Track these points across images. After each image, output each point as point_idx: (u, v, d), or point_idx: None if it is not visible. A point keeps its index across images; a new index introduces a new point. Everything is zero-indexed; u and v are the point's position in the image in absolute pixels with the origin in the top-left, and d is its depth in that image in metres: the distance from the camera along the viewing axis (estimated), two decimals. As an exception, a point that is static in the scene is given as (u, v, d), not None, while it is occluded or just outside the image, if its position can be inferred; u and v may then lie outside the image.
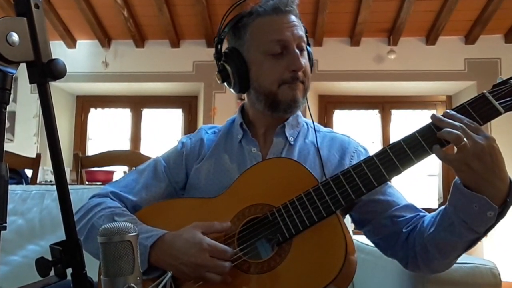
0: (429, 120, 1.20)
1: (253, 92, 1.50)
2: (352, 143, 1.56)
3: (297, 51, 1.43)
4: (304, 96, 1.47)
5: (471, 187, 1.13)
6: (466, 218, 1.15)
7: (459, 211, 1.16)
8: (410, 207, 1.43)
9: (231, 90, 1.52)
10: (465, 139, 1.09)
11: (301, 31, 1.45)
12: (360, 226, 1.50)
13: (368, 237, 1.50)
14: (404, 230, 1.37)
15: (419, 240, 1.31)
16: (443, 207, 1.27)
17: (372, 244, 1.50)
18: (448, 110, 1.19)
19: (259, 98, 1.48)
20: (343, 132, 1.62)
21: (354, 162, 1.46)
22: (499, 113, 1.17)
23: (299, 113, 1.57)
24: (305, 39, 1.47)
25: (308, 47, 1.52)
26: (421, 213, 1.42)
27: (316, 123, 1.57)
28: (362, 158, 1.48)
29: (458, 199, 1.17)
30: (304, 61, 1.45)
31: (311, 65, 1.52)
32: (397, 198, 1.44)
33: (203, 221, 1.29)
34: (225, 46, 1.53)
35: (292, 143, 1.51)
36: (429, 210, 1.40)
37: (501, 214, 1.14)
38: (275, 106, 1.46)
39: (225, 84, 1.52)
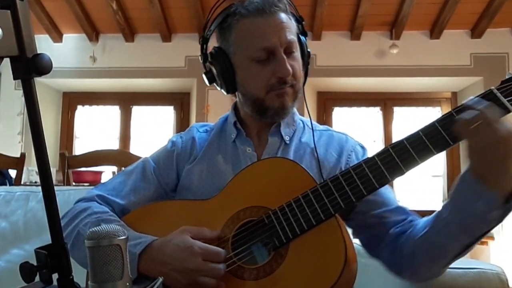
0: (434, 118, 1.20)
1: (241, 95, 1.52)
2: (350, 141, 1.56)
3: (284, 57, 1.40)
4: (294, 100, 1.47)
5: (481, 176, 1.13)
6: (466, 218, 1.16)
7: (460, 210, 1.17)
8: (401, 210, 1.44)
9: (220, 90, 1.54)
10: (479, 122, 1.09)
11: (289, 33, 1.42)
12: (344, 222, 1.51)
13: (353, 234, 1.51)
14: (391, 232, 1.39)
15: (407, 244, 1.32)
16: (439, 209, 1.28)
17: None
18: (465, 102, 1.17)
19: (247, 102, 1.50)
20: (342, 130, 1.62)
21: (351, 160, 1.48)
22: (508, 111, 1.16)
23: (295, 111, 1.57)
24: (295, 41, 1.44)
25: (303, 38, 1.51)
26: (412, 216, 1.43)
27: (312, 121, 1.57)
28: (359, 156, 1.49)
29: (463, 195, 1.17)
30: (293, 63, 1.43)
31: (307, 58, 1.52)
32: (387, 199, 1.44)
33: (192, 226, 1.29)
34: (214, 41, 1.54)
35: (287, 142, 1.51)
36: (433, 212, 1.41)
37: (503, 216, 1.15)
38: (262, 112, 1.47)
39: (214, 84, 1.53)
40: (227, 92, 1.51)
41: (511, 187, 1.12)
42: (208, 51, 1.52)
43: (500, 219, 1.15)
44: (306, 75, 1.53)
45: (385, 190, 1.43)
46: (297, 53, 1.47)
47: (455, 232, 1.19)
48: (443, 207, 1.24)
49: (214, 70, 1.50)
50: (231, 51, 1.47)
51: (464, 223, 1.16)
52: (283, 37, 1.40)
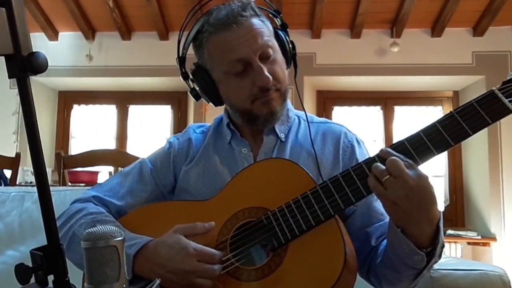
0: (435, 117, 1.20)
1: (228, 107, 1.53)
2: (347, 135, 1.55)
3: (260, 65, 1.38)
4: (282, 102, 1.46)
5: (399, 225, 1.17)
6: (401, 255, 1.19)
7: (394, 247, 1.20)
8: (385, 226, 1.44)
9: (209, 104, 1.54)
10: (389, 175, 1.11)
11: (261, 37, 1.40)
12: None
13: None
14: (372, 244, 1.41)
15: (373, 263, 1.37)
16: None
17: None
18: (383, 148, 1.20)
19: (236, 114, 1.51)
20: (340, 122, 1.61)
21: (347, 157, 1.48)
22: (509, 112, 1.16)
23: (290, 106, 1.57)
24: (269, 44, 1.42)
25: (281, 33, 1.49)
26: None
27: (309, 114, 1.56)
28: (356, 153, 1.48)
29: (392, 237, 1.21)
30: (273, 67, 1.41)
31: (291, 50, 1.50)
32: (379, 214, 1.44)
33: (185, 224, 1.29)
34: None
35: (283, 139, 1.51)
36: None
37: (431, 257, 1.18)
38: (253, 121, 1.46)
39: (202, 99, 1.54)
40: (215, 105, 1.53)
41: (427, 234, 1.16)
42: (189, 69, 1.52)
43: (432, 258, 1.19)
44: (295, 67, 1.52)
45: (378, 204, 1.43)
46: (276, 54, 1.44)
47: (398, 266, 1.23)
48: (386, 241, 1.27)
49: (197, 88, 1.51)
50: (209, 67, 1.47)
51: (401, 258, 1.20)
52: (254, 44, 1.38)
